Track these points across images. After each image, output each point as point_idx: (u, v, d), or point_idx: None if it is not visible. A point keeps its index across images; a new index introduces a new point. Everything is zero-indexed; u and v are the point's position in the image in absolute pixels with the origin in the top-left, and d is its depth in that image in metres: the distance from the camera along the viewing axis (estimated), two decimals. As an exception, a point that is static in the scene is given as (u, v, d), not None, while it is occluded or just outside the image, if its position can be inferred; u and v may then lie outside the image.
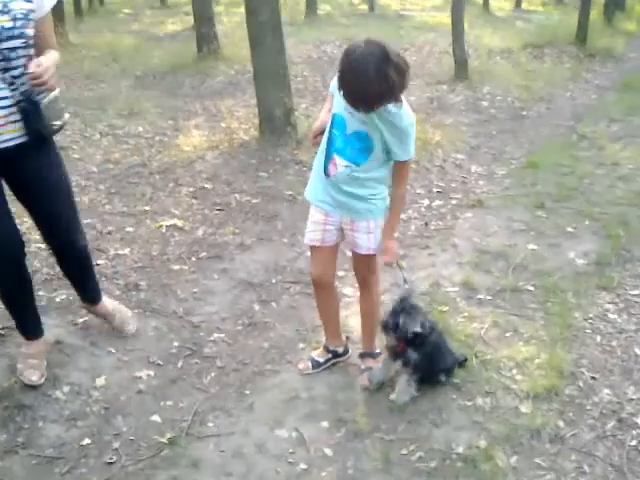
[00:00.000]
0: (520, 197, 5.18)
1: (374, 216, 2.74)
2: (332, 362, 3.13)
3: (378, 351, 3.10)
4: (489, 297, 3.74)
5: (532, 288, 3.82)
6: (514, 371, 3.08)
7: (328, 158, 2.66)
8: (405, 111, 2.47)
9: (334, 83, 2.59)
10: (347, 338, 3.25)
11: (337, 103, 2.60)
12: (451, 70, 9.04)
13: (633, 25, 13.43)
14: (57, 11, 11.90)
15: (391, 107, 2.40)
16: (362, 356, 3.13)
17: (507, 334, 3.38)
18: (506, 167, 5.91)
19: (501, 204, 5.05)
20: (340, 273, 3.71)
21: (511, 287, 3.81)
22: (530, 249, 4.30)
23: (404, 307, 2.77)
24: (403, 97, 2.45)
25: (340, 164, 2.61)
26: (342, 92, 2.36)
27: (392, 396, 2.87)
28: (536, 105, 7.99)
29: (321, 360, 3.10)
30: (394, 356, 2.91)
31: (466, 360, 3.07)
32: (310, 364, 3.09)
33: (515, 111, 7.70)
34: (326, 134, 2.68)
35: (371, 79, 2.24)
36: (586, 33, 10.99)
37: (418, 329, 2.72)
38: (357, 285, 3.10)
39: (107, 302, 3.39)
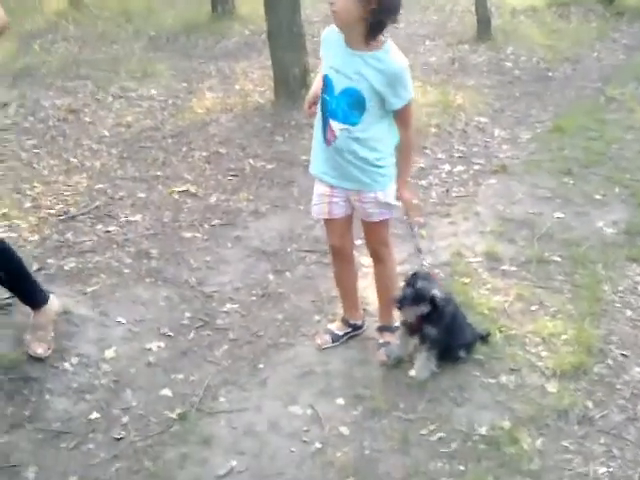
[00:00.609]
0: (546, 162, 4.96)
1: (381, 187, 2.60)
2: (350, 335, 3.00)
3: (397, 324, 2.96)
4: (513, 268, 3.58)
5: (559, 259, 3.65)
6: (540, 347, 2.94)
7: (325, 125, 2.54)
8: (394, 55, 2.36)
9: (324, 36, 2.53)
10: (364, 311, 3.12)
11: (324, 63, 2.52)
12: (473, 30, 8.68)
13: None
14: (69, -30, 11.62)
15: (379, 53, 2.33)
16: (380, 330, 3.00)
17: (532, 308, 3.23)
18: (531, 131, 5.67)
19: (526, 170, 4.84)
20: (357, 242, 3.56)
21: (537, 258, 3.64)
22: (556, 217, 4.11)
23: (418, 276, 2.66)
24: (390, 41, 2.36)
25: (337, 128, 2.49)
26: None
27: (411, 372, 2.75)
28: (562, 66, 7.66)
29: (340, 333, 2.99)
30: (411, 332, 2.78)
31: (489, 335, 2.93)
32: (329, 337, 2.97)
33: (540, 72, 7.39)
34: (320, 100, 2.56)
35: None
36: (615, -10, 10.51)
37: (437, 292, 2.61)
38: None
39: (49, 312, 2.95)
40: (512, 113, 6.12)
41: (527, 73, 7.33)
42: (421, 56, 7.88)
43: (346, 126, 2.46)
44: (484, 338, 2.91)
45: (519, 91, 6.75)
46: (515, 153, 5.19)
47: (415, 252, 2.87)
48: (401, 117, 2.49)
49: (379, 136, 2.51)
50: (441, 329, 2.69)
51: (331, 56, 2.48)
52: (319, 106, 2.57)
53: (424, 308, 2.65)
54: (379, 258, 2.86)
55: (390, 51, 2.36)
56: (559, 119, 5.82)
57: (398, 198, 2.64)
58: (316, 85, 2.65)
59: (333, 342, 2.96)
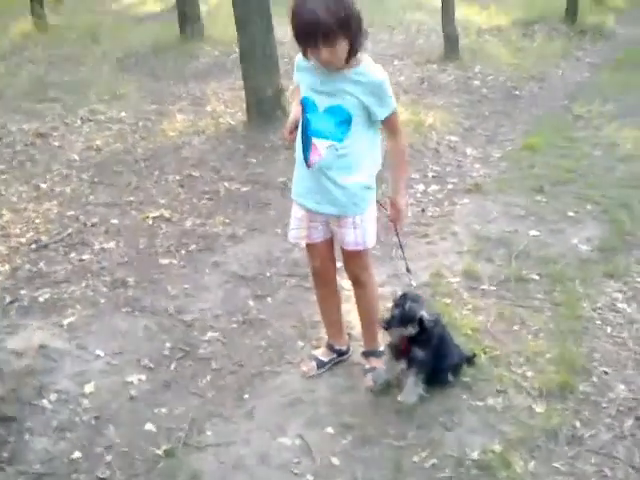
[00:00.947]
0: (518, 181, 5.03)
1: (360, 210, 2.57)
2: (336, 361, 2.97)
3: (382, 349, 2.94)
4: (493, 287, 3.60)
5: (537, 277, 3.68)
6: (525, 367, 2.95)
7: (307, 147, 2.51)
8: (373, 68, 2.38)
9: (297, 63, 2.52)
10: (349, 335, 3.09)
11: (303, 87, 2.52)
12: (441, 49, 8.81)
13: (622, 1, 13.23)
14: (33, -9, 11.49)
15: (359, 68, 2.34)
16: (365, 355, 2.98)
17: (515, 327, 3.24)
18: (501, 149, 5.76)
19: (499, 188, 4.89)
20: (339, 264, 3.54)
21: (515, 276, 3.67)
22: (532, 235, 4.16)
23: (407, 297, 2.65)
24: (366, 55, 2.39)
25: (322, 147, 2.46)
26: (295, 31, 2.25)
27: (400, 397, 2.73)
28: (528, 84, 7.81)
29: (325, 360, 2.95)
30: (398, 355, 2.76)
31: (475, 356, 2.93)
32: (314, 364, 2.93)
33: (507, 91, 7.52)
34: (300, 124, 2.55)
35: (328, 2, 2.16)
36: (576, 9, 10.79)
37: (425, 314, 2.60)
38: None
39: None
40: (482, 132, 6.21)
41: (495, 92, 7.46)
42: (390, 76, 7.71)
43: (333, 142, 2.45)
44: (470, 360, 2.91)
45: (488, 110, 6.86)
46: (487, 172, 5.25)
47: (404, 271, 2.89)
48: (389, 125, 2.50)
49: (364, 153, 2.50)
50: (429, 351, 2.68)
51: (308, 79, 2.48)
52: (301, 128, 2.55)
53: (412, 329, 2.63)
54: (359, 283, 2.83)
55: (369, 64, 2.38)
56: (528, 137, 5.91)
57: (392, 204, 2.64)
58: (294, 111, 2.64)
59: (318, 369, 2.92)
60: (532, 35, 10.16)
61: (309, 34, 2.23)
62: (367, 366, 2.93)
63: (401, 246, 2.90)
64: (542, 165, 5.29)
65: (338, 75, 2.37)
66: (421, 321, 2.60)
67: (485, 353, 3.02)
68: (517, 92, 7.50)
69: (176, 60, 8.97)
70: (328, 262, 2.84)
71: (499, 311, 3.36)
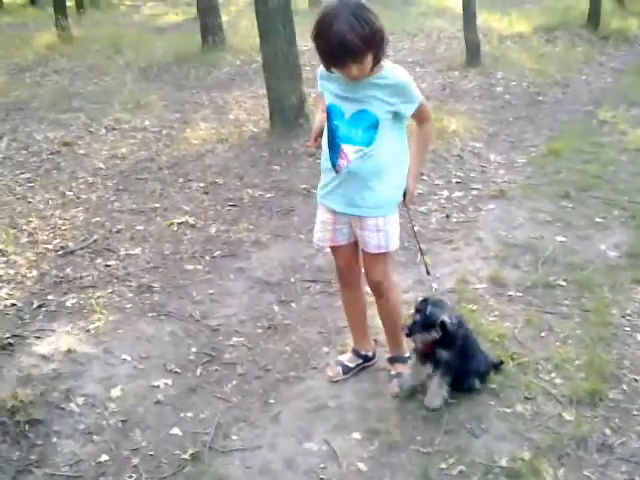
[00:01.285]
0: (543, 186, 4.98)
1: (384, 213, 2.59)
2: (362, 367, 2.96)
3: (407, 355, 2.93)
4: (519, 293, 3.56)
5: (564, 283, 3.63)
6: (553, 374, 2.90)
7: (335, 152, 2.54)
8: (396, 70, 2.42)
9: (320, 72, 2.55)
10: (375, 342, 3.08)
11: (328, 94, 2.54)
12: (462, 56, 8.81)
13: (645, 6, 13.11)
14: (59, 4, 11.72)
15: (382, 72, 2.37)
16: (391, 361, 2.96)
17: (542, 333, 3.20)
18: (526, 155, 5.71)
19: (524, 194, 4.85)
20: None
21: (542, 282, 3.63)
22: (558, 241, 4.11)
23: (428, 302, 2.63)
24: (388, 60, 2.41)
25: (350, 152, 2.50)
26: (322, 52, 2.29)
27: (425, 401, 2.71)
28: (552, 90, 7.76)
29: (351, 365, 2.94)
30: (423, 359, 2.74)
31: (502, 363, 2.90)
32: (340, 370, 2.91)
33: (531, 96, 7.48)
34: (325, 131, 2.59)
35: (352, 22, 2.19)
36: (598, 15, 10.72)
37: (447, 318, 2.58)
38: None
39: None
40: (506, 137, 6.17)
41: (518, 97, 7.41)
42: (412, 83, 7.94)
43: (361, 147, 2.48)
44: (497, 367, 2.88)
45: (511, 116, 6.81)
46: (512, 177, 5.21)
47: (425, 275, 2.86)
48: (418, 116, 2.55)
49: (392, 154, 2.53)
50: (453, 353, 2.65)
51: (333, 87, 2.50)
52: (326, 136, 2.58)
53: (435, 334, 2.61)
54: (380, 291, 2.79)
55: (392, 68, 2.42)
56: (553, 142, 5.86)
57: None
58: (319, 118, 2.67)
59: (344, 374, 2.91)
60: (554, 41, 10.11)
61: (337, 56, 2.28)
62: (393, 372, 2.91)
63: (417, 240, 2.90)
64: (567, 170, 5.24)
65: (363, 82, 2.39)
66: (443, 325, 2.58)
67: (513, 360, 2.98)
68: (540, 98, 7.45)
69: (198, 69, 9.07)
70: (353, 264, 2.83)
71: (526, 317, 3.32)
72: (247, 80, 8.45)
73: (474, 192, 4.94)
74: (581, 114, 6.86)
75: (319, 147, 2.67)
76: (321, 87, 2.60)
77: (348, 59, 2.26)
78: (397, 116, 2.48)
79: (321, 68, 2.52)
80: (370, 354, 2.98)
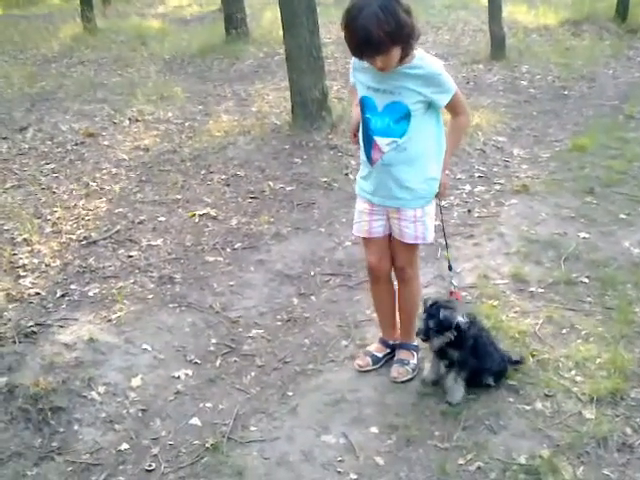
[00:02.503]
0: (567, 182, 4.92)
1: (422, 203, 2.62)
2: (390, 357, 2.97)
3: (416, 344, 2.95)
4: (541, 290, 3.52)
5: (587, 280, 3.59)
6: (574, 372, 2.87)
7: (369, 145, 2.56)
8: (428, 59, 2.41)
9: (353, 63, 2.55)
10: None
11: (360, 86, 2.54)
12: (487, 49, 8.71)
13: (675, -1, 12.82)
14: (84, -5, 11.80)
15: (414, 62, 2.36)
16: (399, 347, 2.98)
17: (563, 331, 3.17)
18: (550, 150, 5.64)
19: (547, 189, 4.80)
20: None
21: (564, 279, 3.59)
22: (582, 238, 4.06)
23: (440, 305, 2.62)
24: (420, 49, 2.40)
25: (383, 144, 2.51)
26: (349, 44, 2.28)
27: (447, 397, 2.70)
28: (577, 84, 7.65)
29: (380, 355, 2.96)
30: (440, 356, 2.74)
31: (522, 360, 2.87)
32: (370, 360, 2.93)
33: (556, 91, 7.38)
34: (360, 125, 2.60)
35: (378, 15, 2.18)
36: (627, 8, 10.50)
37: (461, 319, 2.59)
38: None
39: None
40: (530, 132, 6.10)
41: (543, 92, 7.32)
42: (435, 76, 7.88)
43: (394, 139, 2.49)
44: (517, 363, 2.85)
45: (536, 110, 6.73)
46: (535, 172, 5.15)
47: (447, 274, 2.84)
48: (453, 107, 2.53)
49: (426, 144, 2.54)
50: (465, 352, 2.66)
51: (366, 79, 2.50)
52: (362, 128, 2.60)
53: (450, 335, 2.62)
54: (404, 279, 2.84)
55: (424, 57, 2.40)
56: (578, 137, 5.78)
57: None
58: (355, 112, 2.67)
59: (374, 364, 2.92)
60: (581, 34, 9.94)
61: (363, 49, 2.29)
62: (396, 357, 2.93)
63: (444, 233, 2.87)
64: (592, 166, 5.17)
65: (395, 73, 2.39)
66: (458, 326, 2.59)
67: (533, 357, 2.96)
68: (566, 92, 7.34)
69: (221, 61, 9.10)
70: (384, 258, 2.83)
71: (548, 314, 3.29)
72: (270, 72, 8.45)
73: (497, 187, 4.89)
74: (607, 109, 6.75)
75: (358, 142, 2.67)
76: (353, 78, 2.60)
77: (372, 52, 2.27)
78: (430, 107, 2.47)
79: (354, 58, 2.51)
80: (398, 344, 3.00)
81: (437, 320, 2.60)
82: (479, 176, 5.11)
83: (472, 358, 2.68)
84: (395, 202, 2.61)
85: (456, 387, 2.70)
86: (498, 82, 7.64)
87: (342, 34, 2.35)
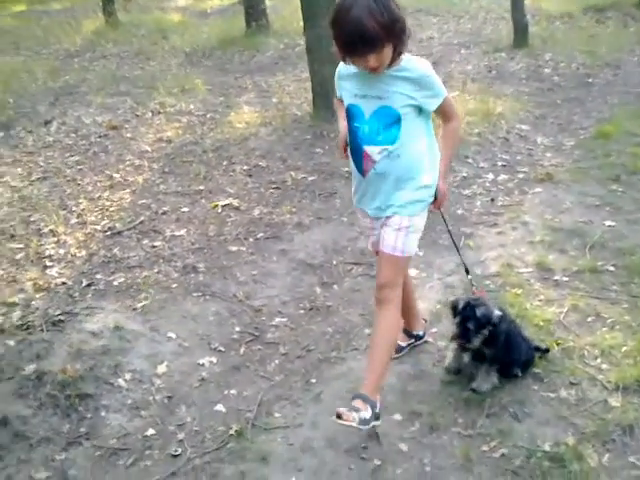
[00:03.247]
0: (592, 170, 4.86)
1: (411, 212, 2.41)
2: (413, 345, 2.98)
3: (375, 400, 2.41)
4: (566, 278, 3.49)
5: (613, 268, 3.55)
6: (599, 360, 2.85)
7: (359, 156, 2.42)
8: (416, 61, 2.29)
9: (339, 72, 2.42)
10: (425, 321, 3.07)
11: (346, 95, 2.40)
12: (509, 37, 8.62)
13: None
14: (105, -10, 11.89)
15: (402, 65, 2.24)
16: (356, 396, 2.40)
17: (589, 319, 3.14)
18: (574, 138, 5.57)
19: (572, 178, 4.74)
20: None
21: (589, 267, 3.55)
22: (607, 226, 4.01)
23: (472, 304, 2.59)
24: (406, 52, 2.26)
25: (374, 153, 2.37)
26: (339, 40, 2.15)
27: (473, 384, 2.69)
28: (602, 72, 7.53)
29: (404, 345, 2.96)
30: (463, 348, 2.72)
31: (548, 350, 2.85)
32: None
33: (580, 78, 7.27)
34: (348, 136, 2.46)
35: (371, 7, 2.07)
36: (653, -7, 10.32)
37: (498, 313, 2.58)
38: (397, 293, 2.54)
39: None
40: (554, 120, 6.02)
41: (567, 79, 7.22)
42: (457, 65, 7.82)
43: (385, 147, 2.35)
44: (546, 351, 2.84)
45: (560, 98, 6.65)
46: (560, 161, 5.09)
47: (468, 261, 2.82)
48: (443, 112, 2.40)
49: (420, 149, 2.39)
50: (498, 348, 2.64)
51: (352, 86, 2.36)
52: (350, 140, 2.46)
53: (486, 332, 2.60)
54: (382, 301, 2.48)
55: (412, 59, 2.29)
56: (603, 125, 5.70)
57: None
58: (343, 126, 2.51)
59: (397, 353, 2.90)
60: (605, 21, 9.79)
61: (355, 43, 2.13)
62: (353, 402, 2.37)
63: (453, 241, 2.83)
64: (618, 154, 5.09)
65: (383, 76, 2.27)
66: (494, 322, 2.57)
67: (558, 345, 2.94)
68: (590, 80, 7.24)
69: (242, 54, 9.12)
70: None
71: (572, 303, 3.26)
72: (290, 64, 8.45)
73: (520, 175, 4.85)
74: (632, 96, 6.64)
75: (348, 157, 2.53)
76: (339, 89, 2.46)
77: (366, 48, 2.12)
78: (421, 112, 2.34)
79: (340, 67, 2.41)
80: (421, 333, 3.00)
81: (475, 320, 2.55)
82: (502, 165, 5.06)
83: (504, 352, 2.66)
84: (389, 211, 2.44)
85: (488, 379, 2.69)
86: (521, 70, 7.56)
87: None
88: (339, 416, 2.30)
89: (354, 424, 2.29)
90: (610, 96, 6.71)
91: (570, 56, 8.01)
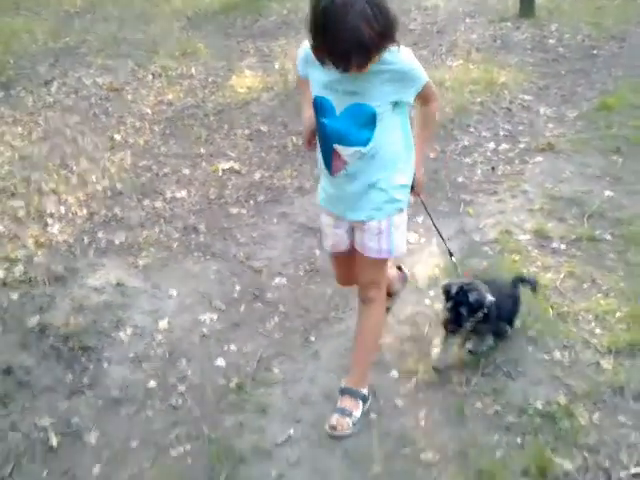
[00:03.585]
0: (594, 141, 4.86)
1: (388, 213, 2.24)
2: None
3: (365, 393, 2.49)
4: (563, 246, 3.53)
5: (610, 237, 3.58)
6: (593, 324, 2.90)
7: (328, 154, 2.18)
8: (399, 52, 1.97)
9: (305, 56, 2.13)
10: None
11: (314, 84, 2.13)
12: (515, 7, 8.51)
13: None
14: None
15: (384, 56, 1.92)
16: (342, 392, 2.47)
17: (584, 285, 3.18)
18: (577, 109, 5.55)
19: (573, 148, 4.74)
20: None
21: (587, 236, 3.58)
22: (606, 196, 4.03)
23: (465, 289, 2.52)
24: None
25: (345, 153, 2.13)
26: (335, 51, 1.85)
27: (469, 346, 2.71)
28: (607, 44, 7.46)
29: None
30: (452, 331, 2.62)
31: (535, 283, 2.83)
32: None
33: (585, 50, 7.21)
34: (317, 129, 2.20)
35: (366, 12, 1.78)
36: (662, -34, 10.18)
37: (490, 297, 2.52)
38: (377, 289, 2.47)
39: None
40: (557, 91, 5.99)
41: (572, 51, 7.16)
42: (462, 34, 7.74)
43: (358, 148, 2.11)
44: (531, 284, 2.82)
45: (564, 69, 6.60)
46: (562, 131, 5.09)
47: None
48: (424, 95, 2.15)
49: (395, 147, 2.18)
50: (492, 321, 2.64)
51: (321, 75, 2.06)
52: (317, 134, 2.21)
53: (481, 314, 2.55)
54: (366, 300, 2.44)
55: (393, 51, 1.95)
56: (606, 97, 5.67)
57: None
58: (308, 115, 2.26)
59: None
60: (613, -7, 9.65)
61: (349, 54, 1.85)
62: (337, 404, 2.44)
63: (433, 221, 2.73)
64: (620, 125, 5.08)
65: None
66: (487, 305, 2.52)
67: (553, 309, 2.99)
68: (595, 52, 7.17)
69: (245, 18, 9.00)
70: (352, 280, 2.54)
71: (569, 269, 3.30)
72: (293, 28, 8.35)
73: (522, 145, 4.85)
74: (637, 69, 6.58)
75: (314, 149, 2.29)
76: (304, 72, 2.19)
77: (360, 58, 1.87)
78: (397, 105, 2.10)
79: (302, 49, 2.15)
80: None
81: (467, 305, 2.50)
82: (504, 135, 5.05)
83: (496, 324, 2.68)
84: (361, 214, 2.25)
85: (484, 339, 2.71)
86: (526, 40, 7.49)
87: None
88: (333, 428, 2.36)
89: (349, 432, 2.36)
90: (615, 68, 6.66)
91: (576, 27, 7.93)
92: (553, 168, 4.45)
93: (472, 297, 2.51)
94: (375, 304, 2.45)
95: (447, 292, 2.58)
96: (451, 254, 2.77)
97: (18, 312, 2.93)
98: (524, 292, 2.85)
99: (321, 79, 2.07)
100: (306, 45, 2.05)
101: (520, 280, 2.84)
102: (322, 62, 1.93)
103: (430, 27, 8.06)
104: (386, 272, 2.49)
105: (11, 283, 3.13)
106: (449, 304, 2.56)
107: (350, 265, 2.46)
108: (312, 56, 1.98)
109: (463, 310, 2.52)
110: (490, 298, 2.54)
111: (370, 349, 2.53)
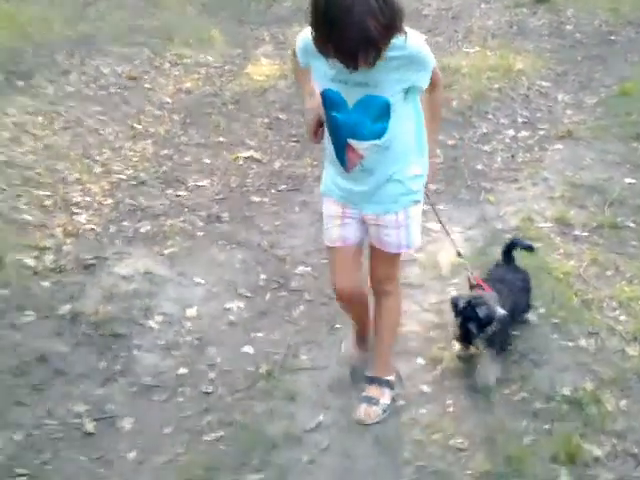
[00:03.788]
0: (613, 127, 4.85)
1: (404, 205, 2.19)
2: None
3: (389, 379, 2.52)
4: (585, 233, 3.54)
5: (632, 224, 3.60)
6: (618, 311, 2.92)
7: (341, 148, 2.10)
8: (408, 36, 1.86)
9: (302, 46, 2.05)
10: None
11: (320, 77, 2.03)
12: (531, -8, 8.46)
13: None
14: (119, -63, 11.64)
15: (393, 41, 1.80)
16: (369, 381, 2.50)
17: (608, 272, 3.20)
18: (596, 95, 5.54)
19: (592, 135, 4.74)
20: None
21: (609, 223, 3.60)
22: (627, 183, 4.04)
23: (472, 304, 2.44)
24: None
25: (361, 148, 2.06)
26: (341, 47, 1.75)
27: (477, 379, 2.55)
28: (625, 29, 7.40)
29: None
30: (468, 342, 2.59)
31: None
32: None
33: (603, 36, 7.16)
34: (326, 123, 2.14)
35: (372, 5, 1.69)
36: (680, -52, 10.04)
37: (500, 311, 2.44)
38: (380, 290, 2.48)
39: None
40: (575, 77, 5.98)
41: (589, 36, 7.12)
42: (478, 20, 7.70)
43: (374, 142, 2.05)
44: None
45: (581, 55, 6.57)
46: (581, 118, 5.08)
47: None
48: (432, 81, 2.06)
49: (407, 139, 2.13)
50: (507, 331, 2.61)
51: (325, 67, 1.95)
52: (327, 128, 2.14)
53: (493, 328, 2.47)
54: (384, 293, 2.44)
55: (401, 38, 1.84)
56: (625, 83, 5.64)
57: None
58: (312, 104, 2.19)
59: None
60: (631, -23, 9.54)
61: (356, 49, 1.75)
62: (363, 393, 2.47)
63: (441, 222, 2.74)
64: (639, 112, 5.06)
65: None
66: (499, 318, 2.44)
67: (577, 296, 3.01)
68: (613, 37, 7.12)
69: (258, 4, 8.99)
70: (356, 273, 2.43)
71: (592, 257, 3.32)
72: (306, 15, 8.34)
73: (541, 132, 4.85)
74: (656, 54, 6.56)
75: (321, 139, 2.23)
76: (306, 60, 2.07)
77: (368, 53, 1.76)
78: (408, 92, 2.02)
79: (302, 38, 2.04)
80: None
81: (477, 320, 2.42)
82: (523, 121, 5.06)
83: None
84: (376, 208, 2.20)
85: (492, 368, 2.56)
86: (543, 26, 7.45)
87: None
88: (362, 417, 2.39)
89: (379, 419, 2.41)
90: (631, 54, 6.61)
91: (592, 13, 7.86)
92: (573, 155, 4.45)
93: (482, 312, 2.41)
94: (392, 296, 2.46)
95: (455, 306, 2.49)
96: (459, 254, 2.75)
97: (50, 300, 2.98)
98: (542, 280, 2.85)
99: (327, 72, 1.97)
100: (305, 35, 1.98)
101: (514, 245, 2.80)
102: (326, 56, 1.84)
103: (445, 13, 8.02)
104: (400, 265, 2.46)
105: (42, 272, 3.18)
106: (458, 320, 2.49)
107: (355, 259, 2.38)
108: (313, 47, 1.85)
109: (472, 327, 2.44)
110: (501, 312, 2.43)
111: (391, 340, 2.54)
